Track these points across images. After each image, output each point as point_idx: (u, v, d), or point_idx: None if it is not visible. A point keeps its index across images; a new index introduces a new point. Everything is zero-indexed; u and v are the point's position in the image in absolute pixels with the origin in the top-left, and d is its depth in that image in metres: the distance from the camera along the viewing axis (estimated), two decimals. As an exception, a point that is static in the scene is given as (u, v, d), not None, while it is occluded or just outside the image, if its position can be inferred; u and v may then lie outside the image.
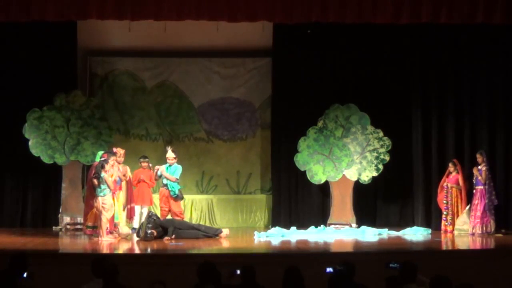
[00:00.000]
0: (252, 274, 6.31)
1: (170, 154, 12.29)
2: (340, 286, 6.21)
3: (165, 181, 12.21)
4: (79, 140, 13.24)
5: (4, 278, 6.19)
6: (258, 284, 6.29)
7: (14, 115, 13.20)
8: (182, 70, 14.39)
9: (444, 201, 12.76)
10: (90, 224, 11.75)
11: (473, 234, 12.09)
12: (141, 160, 12.83)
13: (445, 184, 12.78)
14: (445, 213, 12.79)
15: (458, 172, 12.69)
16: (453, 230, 12.53)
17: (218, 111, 14.44)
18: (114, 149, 11.97)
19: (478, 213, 12.16)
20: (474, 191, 12.36)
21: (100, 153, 11.89)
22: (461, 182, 12.62)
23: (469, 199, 12.53)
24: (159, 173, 12.21)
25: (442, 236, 12.38)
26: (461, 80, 13.43)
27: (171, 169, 12.23)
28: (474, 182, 12.40)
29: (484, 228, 12.10)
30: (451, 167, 12.75)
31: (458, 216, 12.56)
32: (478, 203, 12.19)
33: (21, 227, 13.28)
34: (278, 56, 14.00)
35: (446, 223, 12.71)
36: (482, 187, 12.23)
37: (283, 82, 13.93)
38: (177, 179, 12.20)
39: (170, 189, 12.14)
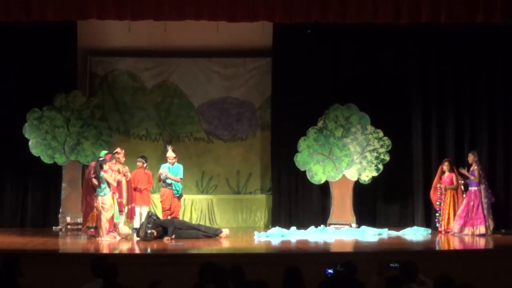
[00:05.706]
0: (241, 274, 6.27)
1: (170, 153, 12.36)
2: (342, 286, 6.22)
3: (168, 181, 12.25)
4: (79, 140, 13.24)
5: (4, 278, 6.19)
6: (248, 282, 6.22)
7: (14, 115, 13.21)
8: (182, 70, 14.38)
9: (437, 202, 12.73)
10: (92, 224, 11.70)
11: (466, 235, 12.01)
12: (137, 159, 12.79)
13: (438, 185, 12.72)
14: (437, 214, 12.77)
15: (453, 171, 12.62)
16: (445, 230, 12.48)
17: (218, 111, 14.44)
18: (118, 150, 11.96)
19: (472, 214, 12.10)
20: (467, 192, 12.26)
21: (103, 153, 11.87)
22: (455, 181, 12.55)
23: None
24: (163, 176, 12.23)
25: (442, 236, 12.36)
26: (461, 80, 13.44)
27: (173, 169, 12.28)
28: (467, 182, 12.30)
29: (477, 230, 11.98)
30: (446, 166, 12.67)
31: (454, 216, 12.46)
32: (473, 204, 12.12)
33: (21, 227, 13.28)
34: (278, 56, 13.99)
35: (438, 225, 12.68)
36: (476, 188, 12.15)
37: (283, 82, 13.92)
38: (181, 178, 12.31)
39: (174, 188, 12.19)
